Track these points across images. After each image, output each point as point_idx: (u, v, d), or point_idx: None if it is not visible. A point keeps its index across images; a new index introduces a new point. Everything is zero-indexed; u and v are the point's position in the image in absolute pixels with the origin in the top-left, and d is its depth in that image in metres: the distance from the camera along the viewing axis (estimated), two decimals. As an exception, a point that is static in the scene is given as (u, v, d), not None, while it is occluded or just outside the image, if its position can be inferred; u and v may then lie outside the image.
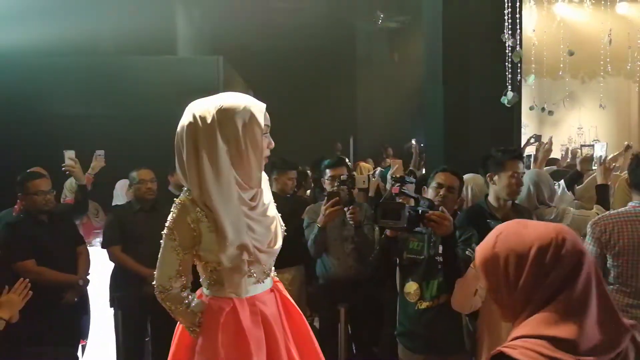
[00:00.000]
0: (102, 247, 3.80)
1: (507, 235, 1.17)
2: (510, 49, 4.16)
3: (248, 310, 1.83)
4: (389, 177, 3.45)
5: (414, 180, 2.63)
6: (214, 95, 1.79)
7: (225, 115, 1.72)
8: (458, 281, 2.34)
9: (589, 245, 2.58)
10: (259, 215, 1.83)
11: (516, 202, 2.99)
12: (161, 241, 1.78)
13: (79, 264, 3.60)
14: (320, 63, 9.99)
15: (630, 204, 2.62)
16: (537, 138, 5.17)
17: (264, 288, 1.91)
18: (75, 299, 3.55)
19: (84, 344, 3.86)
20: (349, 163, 6.90)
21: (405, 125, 10.51)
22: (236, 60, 7.78)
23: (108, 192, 5.31)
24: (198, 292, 1.94)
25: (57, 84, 6.42)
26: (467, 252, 2.43)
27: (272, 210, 1.92)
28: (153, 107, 6.40)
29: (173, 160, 6.48)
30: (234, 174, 1.74)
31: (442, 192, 2.62)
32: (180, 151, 1.78)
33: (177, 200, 1.78)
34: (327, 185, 3.41)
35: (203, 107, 1.75)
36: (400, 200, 2.27)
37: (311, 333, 1.99)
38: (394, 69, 10.78)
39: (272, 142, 1.85)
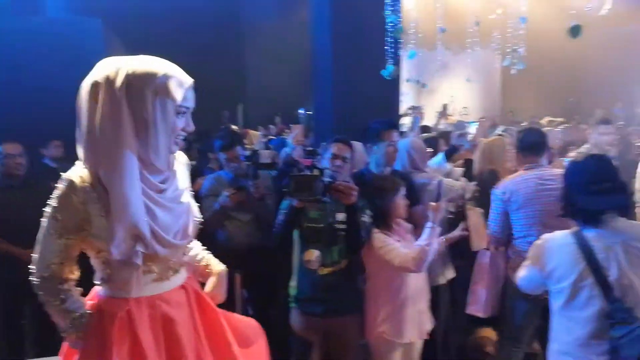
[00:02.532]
0: (-30, 227, 3.51)
1: None
2: (390, 25, 4.40)
3: (147, 313, 1.57)
4: (289, 141, 3.51)
5: (321, 152, 2.75)
6: (134, 56, 1.55)
7: (136, 80, 1.48)
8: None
9: (495, 206, 3.10)
10: (169, 201, 1.59)
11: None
12: (42, 219, 1.53)
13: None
14: (205, 28, 9.69)
15: (521, 169, 3.12)
16: (414, 109, 5.57)
17: (171, 286, 1.65)
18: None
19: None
20: (237, 130, 6.88)
21: (295, 93, 10.62)
22: (116, 24, 7.31)
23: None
24: (92, 292, 1.68)
25: None
26: (363, 218, 2.60)
27: (187, 199, 1.68)
28: (21, 73, 5.86)
29: (46, 131, 5.96)
30: (137, 149, 1.50)
31: (337, 162, 2.77)
32: (79, 115, 1.53)
33: (63, 175, 1.52)
34: (226, 167, 3.43)
35: (114, 68, 1.50)
36: (313, 172, 2.32)
37: (228, 334, 1.74)
38: (283, 35, 10.76)
39: (192, 124, 1.61)
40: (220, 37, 10.02)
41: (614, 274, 1.92)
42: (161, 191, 1.58)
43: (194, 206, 1.73)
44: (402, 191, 2.75)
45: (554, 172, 3.06)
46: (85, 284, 1.67)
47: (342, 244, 2.60)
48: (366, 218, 2.61)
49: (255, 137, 7.37)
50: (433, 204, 2.67)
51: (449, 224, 3.08)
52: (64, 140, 5.33)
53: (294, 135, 3.41)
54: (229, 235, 3.35)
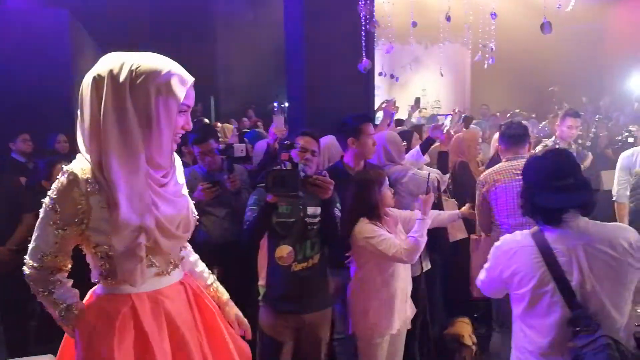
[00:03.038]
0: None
1: None
2: (364, 18, 4.41)
3: (149, 308, 1.57)
4: (271, 131, 3.49)
5: (297, 146, 2.73)
6: (137, 53, 1.54)
7: (140, 77, 1.47)
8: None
9: (477, 195, 3.33)
10: (171, 194, 1.61)
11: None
12: (40, 210, 1.54)
13: None
14: (175, 20, 9.52)
15: (503, 160, 3.35)
16: (389, 102, 5.58)
17: (170, 281, 1.66)
18: None
19: None
20: (207, 123, 6.78)
21: (268, 86, 10.55)
22: (84, 15, 7.12)
23: None
24: (90, 292, 1.66)
25: None
26: (336, 212, 2.60)
27: (186, 194, 1.71)
28: (-15, 64, 5.66)
29: (13, 124, 5.80)
30: (142, 146, 1.51)
31: (307, 155, 2.75)
32: (82, 107, 1.52)
33: (65, 167, 1.51)
34: (200, 161, 3.40)
35: (118, 62, 1.50)
36: (288, 166, 2.27)
37: (225, 334, 1.75)
38: (255, 28, 10.67)
39: (190, 123, 1.62)
40: (191, 29, 9.87)
41: (575, 279, 1.77)
42: (163, 185, 1.59)
43: (191, 203, 1.74)
44: (387, 182, 2.79)
45: None
46: (82, 284, 1.65)
47: (314, 238, 2.57)
48: (337, 212, 2.59)
49: (229, 131, 7.30)
50: (423, 195, 2.73)
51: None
52: (32, 134, 5.20)
53: (275, 125, 3.39)
54: (205, 230, 3.32)
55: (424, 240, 2.62)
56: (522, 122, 3.74)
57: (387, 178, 2.81)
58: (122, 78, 1.47)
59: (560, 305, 1.79)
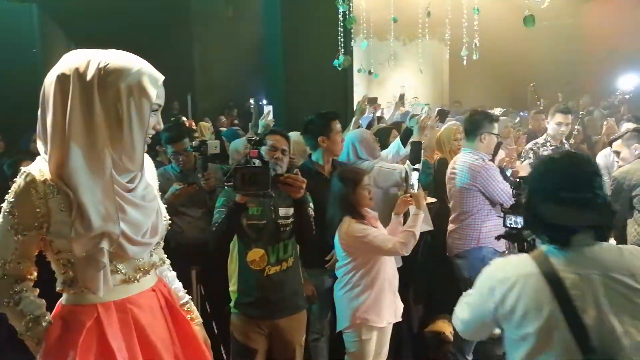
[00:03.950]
0: None
1: None
2: (342, 14, 4.39)
3: (116, 318, 1.49)
4: (262, 122, 3.43)
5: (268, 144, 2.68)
6: (102, 50, 1.46)
7: (109, 76, 1.39)
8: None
9: None
10: (139, 199, 1.52)
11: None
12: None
13: None
14: (151, 15, 9.36)
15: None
16: (371, 101, 5.52)
17: (140, 288, 1.57)
18: None
19: None
20: (186, 122, 6.68)
21: (247, 83, 10.46)
22: (55, 10, 6.94)
23: None
24: (58, 303, 1.57)
25: None
26: (310, 212, 2.52)
27: (155, 198, 1.62)
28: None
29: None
30: (109, 149, 1.43)
31: (277, 154, 2.66)
32: (44, 107, 1.43)
33: (23, 169, 1.44)
34: (173, 161, 3.33)
35: (83, 60, 1.41)
36: (258, 163, 2.15)
37: (200, 341, 1.72)
38: (232, 25, 10.55)
39: (161, 122, 1.56)
40: (168, 26, 9.71)
41: (591, 316, 1.40)
42: (130, 190, 1.51)
43: (162, 206, 1.66)
44: (367, 180, 2.77)
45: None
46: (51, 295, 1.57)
47: (287, 240, 2.50)
48: (311, 211, 2.51)
49: (206, 129, 7.22)
50: (415, 192, 2.84)
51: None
52: (4, 133, 5.07)
53: (264, 117, 3.33)
54: (182, 231, 3.26)
55: (418, 233, 2.70)
56: (487, 112, 3.60)
57: (366, 177, 2.78)
58: (89, 76, 1.39)
59: (573, 349, 1.42)
